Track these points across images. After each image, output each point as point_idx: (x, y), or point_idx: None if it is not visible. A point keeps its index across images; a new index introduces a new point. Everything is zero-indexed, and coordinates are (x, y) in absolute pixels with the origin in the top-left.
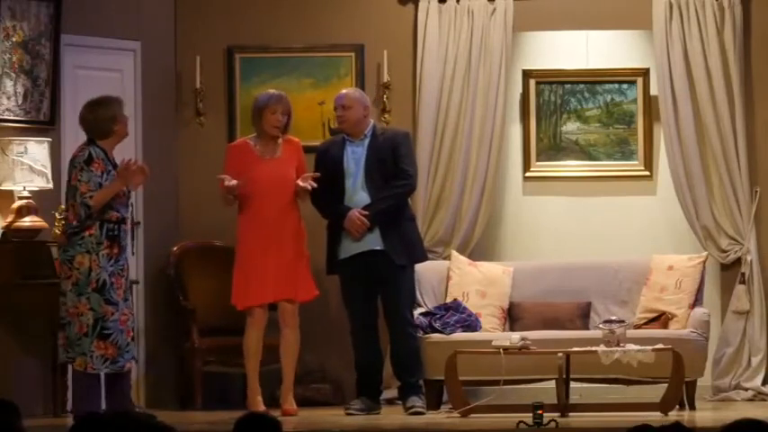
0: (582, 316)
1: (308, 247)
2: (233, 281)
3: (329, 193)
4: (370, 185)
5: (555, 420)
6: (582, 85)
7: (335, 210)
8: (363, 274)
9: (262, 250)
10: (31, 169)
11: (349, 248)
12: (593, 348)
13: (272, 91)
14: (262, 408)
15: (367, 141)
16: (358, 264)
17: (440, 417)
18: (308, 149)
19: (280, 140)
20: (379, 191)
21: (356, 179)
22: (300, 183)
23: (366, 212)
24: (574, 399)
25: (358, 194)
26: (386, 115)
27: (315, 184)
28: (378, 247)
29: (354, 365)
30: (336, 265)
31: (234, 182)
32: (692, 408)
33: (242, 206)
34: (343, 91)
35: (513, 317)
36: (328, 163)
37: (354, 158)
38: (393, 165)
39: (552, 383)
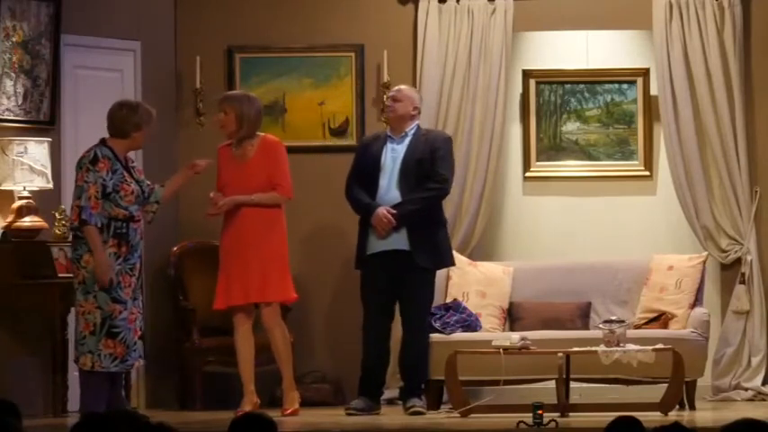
0: (582, 316)
1: (309, 246)
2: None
3: (363, 188)
4: (403, 185)
5: (555, 420)
6: (582, 85)
7: (365, 205)
8: (385, 272)
9: (230, 253)
10: (31, 169)
11: (374, 245)
12: (593, 348)
13: (231, 92)
14: (248, 408)
15: (407, 140)
16: (381, 262)
17: (440, 417)
18: (307, 149)
19: (256, 142)
20: (411, 191)
21: (392, 177)
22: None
23: (394, 211)
24: (574, 399)
25: (391, 192)
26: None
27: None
28: (403, 248)
29: (361, 362)
30: (362, 261)
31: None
32: (692, 408)
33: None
34: (399, 86)
35: (513, 317)
36: (367, 157)
37: (393, 156)
38: (430, 166)
39: (552, 383)
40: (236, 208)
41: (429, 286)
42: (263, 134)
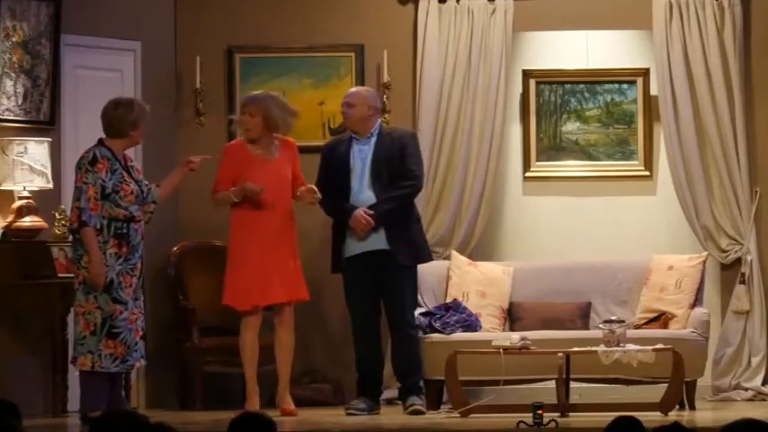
0: (582, 316)
1: (306, 246)
2: (225, 281)
3: (334, 192)
4: (376, 185)
5: (555, 420)
6: (582, 85)
7: (341, 208)
8: (367, 273)
9: (259, 252)
10: (31, 169)
11: (354, 247)
12: (593, 348)
13: (253, 93)
14: (256, 408)
15: (373, 140)
16: (362, 263)
17: (440, 417)
18: (307, 149)
19: (277, 142)
20: (385, 190)
21: (362, 178)
22: (307, 198)
23: (371, 212)
24: (574, 399)
25: (364, 193)
26: (386, 115)
27: (319, 196)
28: (383, 248)
29: (355, 364)
30: (341, 264)
31: (256, 187)
32: (692, 408)
33: (235, 208)
34: (353, 89)
35: (513, 317)
36: (335, 161)
37: (361, 157)
38: (399, 164)
39: (552, 383)
40: (270, 205)
41: (411, 283)
42: (276, 134)
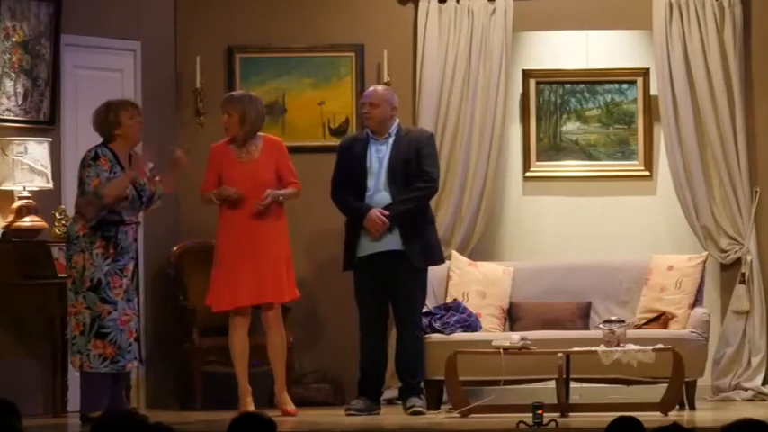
0: (582, 316)
1: (308, 246)
2: (211, 283)
3: (350, 190)
4: (392, 186)
5: (555, 420)
6: (582, 85)
7: (356, 207)
8: (379, 273)
9: (238, 253)
10: (31, 169)
11: (367, 247)
12: (593, 348)
13: (232, 92)
14: (251, 408)
15: (391, 140)
16: (375, 263)
17: (440, 417)
18: (307, 149)
19: (260, 142)
20: (401, 191)
21: (379, 178)
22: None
23: (387, 213)
24: (574, 399)
25: (380, 194)
26: None
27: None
28: (397, 248)
29: (359, 364)
30: (354, 263)
31: (232, 191)
32: (692, 408)
33: (221, 208)
34: (372, 88)
35: (513, 317)
36: (351, 159)
37: (378, 157)
38: (416, 166)
39: (552, 383)
40: (247, 206)
41: (422, 284)
42: (263, 134)
